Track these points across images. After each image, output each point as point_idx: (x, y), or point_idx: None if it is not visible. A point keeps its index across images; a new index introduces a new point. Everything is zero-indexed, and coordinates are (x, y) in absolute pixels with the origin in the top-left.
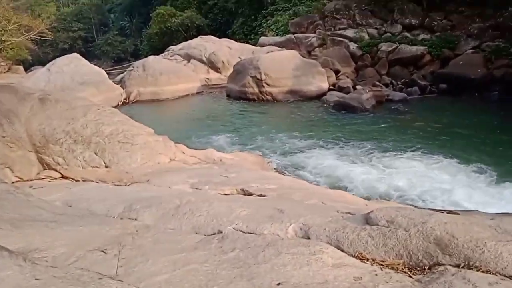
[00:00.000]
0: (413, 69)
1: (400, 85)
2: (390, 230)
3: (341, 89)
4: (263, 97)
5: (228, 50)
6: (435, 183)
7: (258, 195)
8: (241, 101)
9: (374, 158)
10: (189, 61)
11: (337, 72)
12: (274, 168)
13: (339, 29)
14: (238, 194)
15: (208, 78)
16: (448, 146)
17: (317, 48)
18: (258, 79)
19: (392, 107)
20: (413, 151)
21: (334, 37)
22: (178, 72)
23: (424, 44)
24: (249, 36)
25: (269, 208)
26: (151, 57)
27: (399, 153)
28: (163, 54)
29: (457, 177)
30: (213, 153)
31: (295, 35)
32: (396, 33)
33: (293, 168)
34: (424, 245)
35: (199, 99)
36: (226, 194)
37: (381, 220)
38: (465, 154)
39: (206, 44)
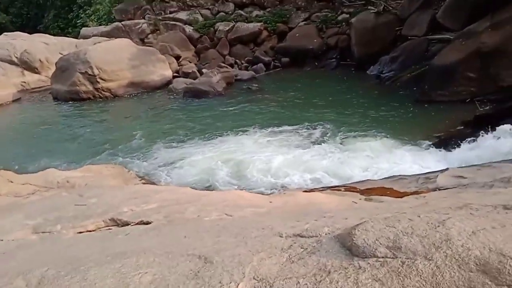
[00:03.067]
0: (253, 46)
1: (245, 64)
2: (403, 263)
3: (186, 75)
4: (100, 94)
5: (45, 46)
6: (301, 158)
7: (138, 223)
8: (73, 102)
9: (239, 142)
10: None
11: (177, 57)
12: (139, 178)
13: (170, 13)
14: (108, 227)
15: (25, 82)
16: (306, 117)
17: (151, 35)
18: (90, 74)
19: (244, 87)
20: (276, 128)
21: (167, 21)
22: None
23: (259, 20)
24: (66, 29)
25: (181, 255)
26: None
27: (263, 131)
28: None
29: (327, 148)
30: (55, 173)
31: (123, 22)
32: (230, 12)
33: (160, 172)
34: (464, 277)
35: (18, 107)
36: (90, 231)
37: (379, 247)
38: (321, 122)
39: (15, 42)
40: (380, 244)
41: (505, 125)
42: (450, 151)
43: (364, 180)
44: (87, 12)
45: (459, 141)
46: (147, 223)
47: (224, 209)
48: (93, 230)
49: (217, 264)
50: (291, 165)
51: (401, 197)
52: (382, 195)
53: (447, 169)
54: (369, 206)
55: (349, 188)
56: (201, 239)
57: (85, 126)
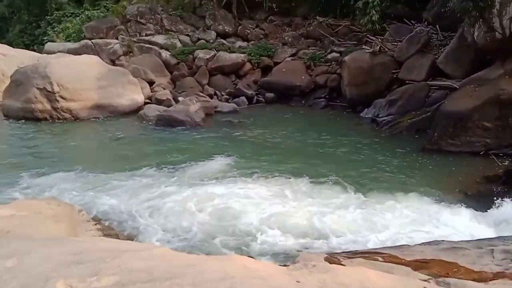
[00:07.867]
0: (235, 78)
1: (225, 96)
2: None
3: (159, 102)
4: (58, 115)
5: (2, 58)
6: (298, 210)
7: None
8: (27, 121)
9: (226, 183)
10: None
11: (151, 83)
12: (94, 222)
13: (146, 35)
14: None
15: None
16: (297, 160)
17: (123, 57)
18: (48, 91)
19: (224, 120)
20: (263, 171)
21: (142, 44)
22: None
23: (242, 51)
24: (31, 46)
25: None
26: None
27: (249, 174)
28: None
29: (327, 201)
30: None
31: (93, 41)
32: (211, 40)
33: (123, 216)
34: None
35: None
36: None
37: None
38: (316, 167)
39: None
40: None
41: None
42: (485, 210)
43: (402, 245)
44: (55, 29)
45: (492, 199)
46: None
47: None
48: None
49: None
50: (285, 218)
51: (483, 281)
52: (449, 275)
53: None
54: None
55: (389, 258)
56: None
57: (34, 150)
